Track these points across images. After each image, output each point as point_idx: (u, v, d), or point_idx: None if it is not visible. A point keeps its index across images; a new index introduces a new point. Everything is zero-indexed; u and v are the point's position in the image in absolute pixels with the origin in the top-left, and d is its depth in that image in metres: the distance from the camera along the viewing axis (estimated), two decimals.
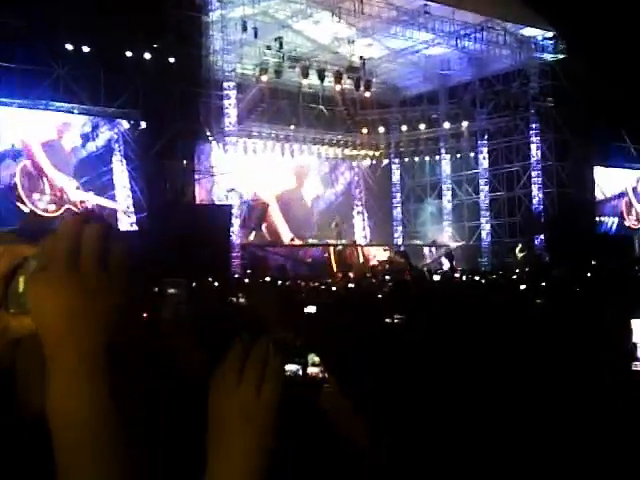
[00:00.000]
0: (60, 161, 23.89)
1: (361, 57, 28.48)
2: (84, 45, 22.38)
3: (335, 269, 26.83)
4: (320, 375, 1.33)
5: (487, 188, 32.45)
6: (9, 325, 0.99)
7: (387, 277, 18.86)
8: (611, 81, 27.01)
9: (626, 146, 32.76)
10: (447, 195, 34.00)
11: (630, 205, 35.08)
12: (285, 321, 4.19)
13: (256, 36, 25.54)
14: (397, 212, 35.48)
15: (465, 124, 31.71)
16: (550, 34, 29.57)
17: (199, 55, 24.65)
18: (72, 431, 0.94)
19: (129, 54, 23.26)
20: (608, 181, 33.96)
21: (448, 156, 33.73)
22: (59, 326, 0.93)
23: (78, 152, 24.30)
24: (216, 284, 13.29)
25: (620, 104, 27.70)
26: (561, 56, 29.61)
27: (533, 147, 30.90)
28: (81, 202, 23.98)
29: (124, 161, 24.76)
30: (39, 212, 23.27)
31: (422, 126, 32.43)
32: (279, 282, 15.82)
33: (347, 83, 29.13)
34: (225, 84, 25.90)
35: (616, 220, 34.19)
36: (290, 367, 1.25)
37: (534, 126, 30.68)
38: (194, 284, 14.74)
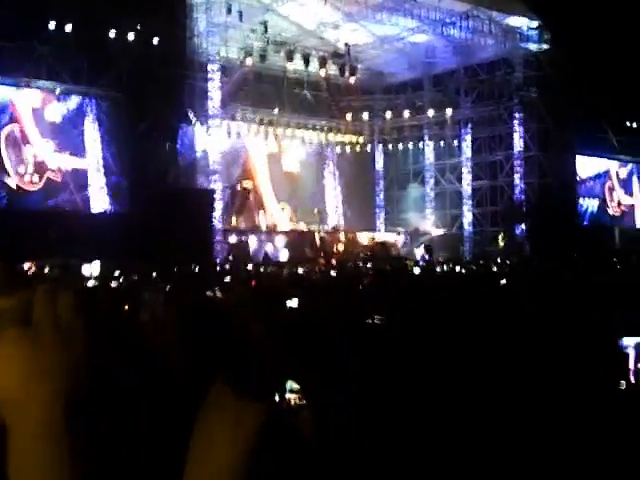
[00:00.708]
0: (42, 126, 23.71)
1: (346, 43, 28.38)
2: (67, 24, 22.09)
3: (317, 255, 26.83)
4: (298, 402, 1.33)
5: (470, 177, 32.55)
6: None
7: (369, 265, 18.91)
8: (594, 72, 27.10)
9: (608, 137, 32.96)
10: (430, 183, 34.07)
11: (612, 190, 35.28)
12: (263, 318, 4.19)
13: (241, 19, 25.37)
14: (380, 199, 35.51)
15: (449, 112, 31.72)
16: (535, 24, 29.60)
17: (183, 37, 24.45)
18: None
19: (112, 34, 23.00)
20: (589, 169, 34.23)
21: (432, 143, 33.75)
22: (16, 391, 0.91)
23: (53, 115, 24.15)
24: (196, 271, 13.26)
25: (602, 95, 27.84)
26: (545, 46, 29.68)
27: (516, 136, 30.99)
28: (59, 169, 23.76)
29: (96, 124, 24.60)
30: (25, 186, 23.09)
31: (406, 113, 32.42)
32: (261, 269, 15.85)
33: (332, 69, 29.05)
34: (209, 67, 25.72)
35: (596, 203, 34.38)
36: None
37: (517, 115, 30.76)
38: (175, 269, 14.73)
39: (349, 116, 32.40)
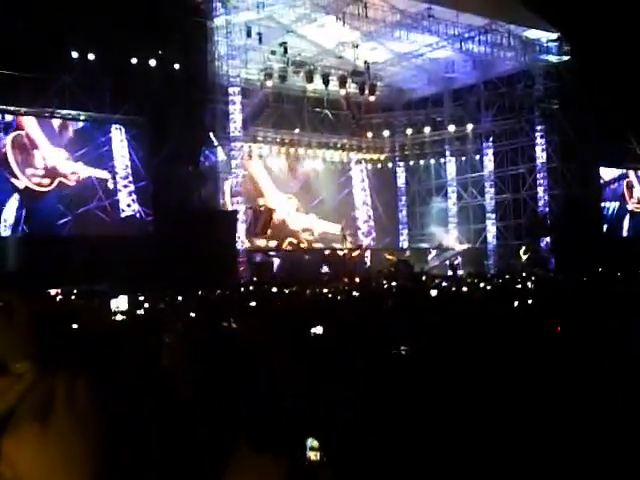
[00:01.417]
0: (50, 133, 23.69)
1: (365, 61, 28.50)
2: (89, 53, 22.45)
3: (341, 273, 26.80)
4: (318, 460, 1.37)
5: (492, 190, 32.44)
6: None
7: (393, 283, 18.85)
8: (614, 81, 26.93)
9: (631, 146, 32.65)
10: (452, 198, 33.99)
11: (632, 187, 34.77)
12: (284, 348, 4.22)
13: (261, 41, 25.62)
14: (402, 215, 35.48)
15: (470, 127, 31.72)
16: (554, 36, 29.54)
17: (204, 61, 24.71)
18: None
19: (134, 61, 23.31)
20: (610, 175, 33.89)
21: (453, 159, 33.73)
22: None
23: (73, 123, 24.28)
24: (220, 294, 13.30)
25: (625, 104, 27.64)
26: (565, 58, 29.57)
27: (538, 149, 30.87)
28: (72, 173, 23.84)
29: (122, 129, 24.75)
30: (34, 187, 23.18)
31: (427, 129, 32.45)
32: (285, 290, 15.88)
33: (352, 87, 29.17)
34: (230, 89, 25.93)
35: (617, 205, 34.00)
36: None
37: (539, 128, 30.67)
38: (200, 292, 14.82)
39: (370, 134, 32.51)
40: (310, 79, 27.74)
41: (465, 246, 32.81)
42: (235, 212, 25.51)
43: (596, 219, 31.42)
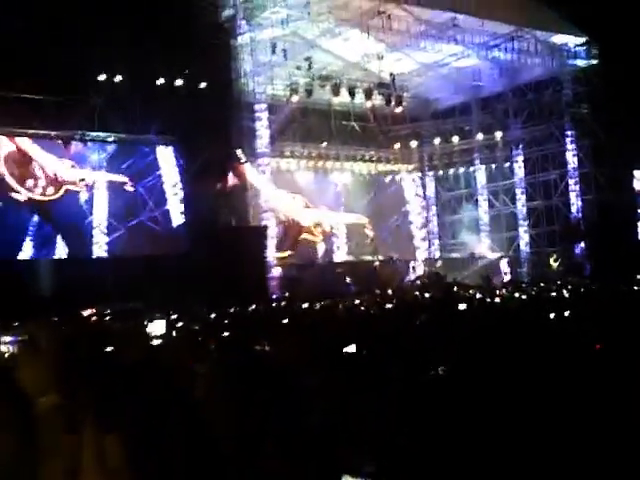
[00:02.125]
0: (48, 144, 23.62)
1: (391, 73, 28.43)
2: (117, 75, 22.70)
3: (374, 286, 26.66)
4: None
5: (524, 197, 32.13)
6: None
7: (427, 294, 18.69)
8: None
9: None
10: (483, 206, 33.70)
11: None
12: (316, 365, 4.11)
13: (286, 57, 25.72)
14: (433, 225, 35.27)
15: (499, 134, 31.47)
16: (582, 40, 29.26)
17: (230, 79, 24.86)
18: None
19: (161, 81, 23.52)
20: None
21: (483, 167, 33.49)
22: None
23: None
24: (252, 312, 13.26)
25: None
26: (594, 61, 29.27)
27: (569, 154, 30.53)
28: (81, 180, 23.90)
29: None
30: (37, 197, 23.16)
31: (455, 138, 32.27)
32: (316, 305, 15.79)
33: (378, 99, 29.12)
34: (256, 106, 26.03)
35: None
36: None
37: (569, 133, 30.34)
38: (232, 310, 14.80)
39: (398, 145, 32.41)
40: (336, 92, 27.74)
41: (498, 254, 32.47)
42: (265, 227, 25.54)
43: (631, 223, 30.91)
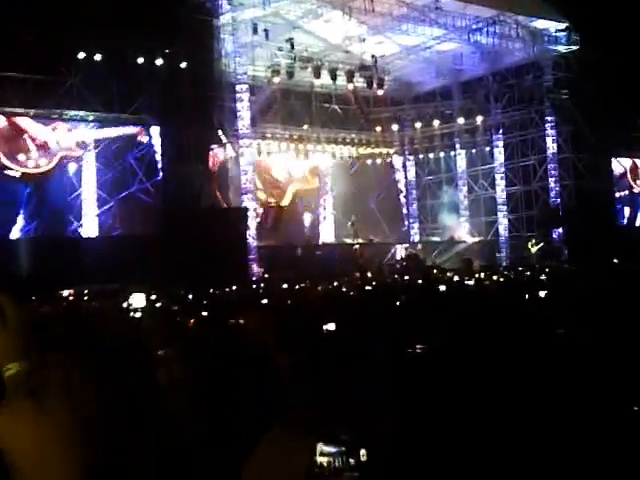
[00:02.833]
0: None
1: (373, 55, 28.37)
2: (96, 53, 22.45)
3: (353, 269, 26.75)
4: (331, 465, 1.30)
5: (503, 182, 32.29)
6: None
7: (405, 277, 18.81)
8: (624, 70, 26.69)
9: None
10: (463, 190, 33.85)
11: (635, 168, 34.40)
12: (290, 345, 4.13)
13: (267, 38, 25.56)
14: (413, 209, 35.38)
15: (479, 119, 31.55)
16: (563, 26, 29.31)
17: (211, 59, 24.66)
18: None
19: (141, 60, 23.30)
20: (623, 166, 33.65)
21: (463, 151, 33.58)
22: (32, 458, 0.95)
23: None
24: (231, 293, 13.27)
25: (636, 93, 27.40)
26: (574, 47, 29.35)
27: (549, 140, 30.68)
28: (78, 144, 23.78)
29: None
30: (31, 171, 23.08)
31: (436, 122, 32.33)
32: (296, 286, 15.85)
33: (359, 81, 29.06)
34: (238, 87, 25.89)
35: (627, 192, 33.77)
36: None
37: (549, 119, 30.47)
38: (211, 291, 14.78)
39: (379, 128, 32.40)
40: (318, 74, 27.64)
41: (477, 239, 32.67)
42: (245, 209, 25.47)
43: (609, 209, 31.22)
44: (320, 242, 31.37)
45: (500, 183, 32.35)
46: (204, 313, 7.06)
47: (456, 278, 15.72)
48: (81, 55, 22.47)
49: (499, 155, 32.42)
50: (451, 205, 33.95)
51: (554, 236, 30.31)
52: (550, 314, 5.89)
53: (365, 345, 4.18)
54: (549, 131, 30.61)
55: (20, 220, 22.82)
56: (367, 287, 14.77)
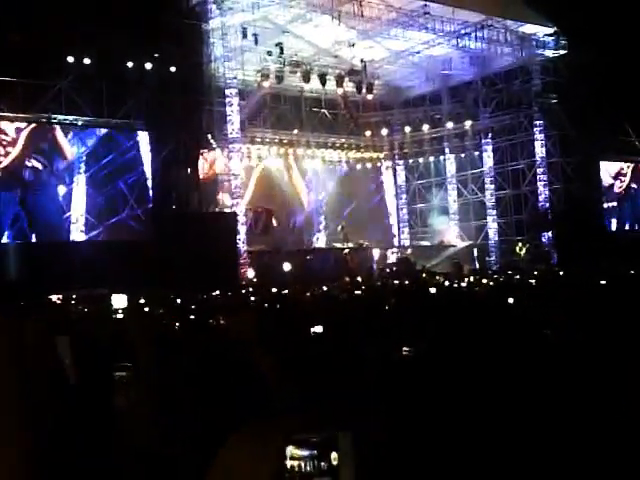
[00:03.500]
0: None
1: (362, 60, 28.44)
2: (85, 57, 22.38)
3: (343, 273, 26.74)
4: (302, 469, 1.29)
5: (493, 186, 32.38)
6: None
7: (395, 282, 18.81)
8: (612, 74, 26.84)
9: (630, 139, 32.55)
10: (453, 195, 33.93)
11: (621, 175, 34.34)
12: (275, 346, 4.11)
13: (257, 42, 25.56)
14: (403, 213, 35.43)
15: (468, 123, 31.66)
16: (550, 30, 29.48)
17: (200, 63, 24.62)
18: None
19: (130, 65, 23.24)
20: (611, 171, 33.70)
21: (452, 155, 33.68)
22: None
23: None
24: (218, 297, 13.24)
25: (624, 97, 27.54)
26: (562, 52, 29.52)
27: (537, 144, 30.81)
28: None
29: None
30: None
31: (425, 127, 32.42)
32: (284, 291, 15.82)
33: (349, 86, 29.11)
34: (227, 91, 25.86)
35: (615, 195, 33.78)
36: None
37: (538, 123, 30.60)
38: (200, 296, 14.73)
39: (368, 132, 32.47)
40: (307, 79, 27.68)
41: (466, 243, 32.75)
42: (234, 214, 25.43)
43: (597, 213, 31.34)
44: (310, 247, 31.34)
45: (489, 187, 32.44)
46: (191, 316, 7.05)
47: (447, 283, 15.74)
48: (70, 59, 22.39)
49: (488, 159, 32.52)
50: (441, 209, 34.04)
51: (543, 240, 30.41)
52: (538, 317, 5.90)
53: (352, 347, 4.17)
54: (538, 135, 30.74)
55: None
56: (356, 291, 14.77)
